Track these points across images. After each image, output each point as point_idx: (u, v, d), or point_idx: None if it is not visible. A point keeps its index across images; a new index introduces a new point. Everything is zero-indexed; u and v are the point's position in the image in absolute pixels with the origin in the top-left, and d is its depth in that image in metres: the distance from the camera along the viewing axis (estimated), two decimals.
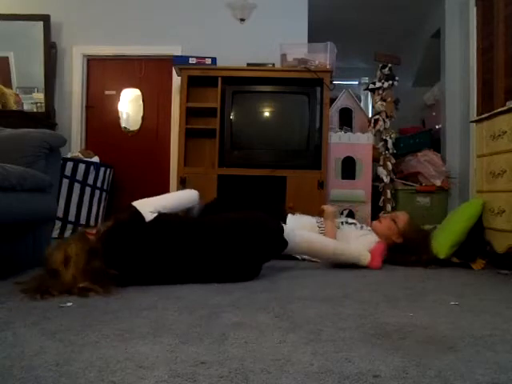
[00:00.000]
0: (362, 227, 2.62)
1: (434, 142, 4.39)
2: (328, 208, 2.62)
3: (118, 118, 4.42)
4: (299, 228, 2.37)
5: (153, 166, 4.33)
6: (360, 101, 4.71)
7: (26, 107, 4.18)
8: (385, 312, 1.39)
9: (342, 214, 3.54)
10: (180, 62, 3.77)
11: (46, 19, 4.18)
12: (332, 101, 3.91)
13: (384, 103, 3.88)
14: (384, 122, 3.86)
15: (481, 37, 3.66)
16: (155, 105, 4.41)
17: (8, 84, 4.18)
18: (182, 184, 3.50)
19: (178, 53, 4.08)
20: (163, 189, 3.70)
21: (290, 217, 2.65)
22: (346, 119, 4.05)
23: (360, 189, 3.65)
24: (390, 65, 3.91)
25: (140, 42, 4.25)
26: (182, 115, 3.67)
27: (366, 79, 6.69)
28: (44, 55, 4.20)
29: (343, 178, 3.69)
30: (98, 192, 3.74)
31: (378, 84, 3.91)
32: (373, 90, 4.00)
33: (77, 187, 3.58)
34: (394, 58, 4.01)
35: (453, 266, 2.40)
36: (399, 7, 4.96)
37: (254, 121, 3.71)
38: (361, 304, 1.49)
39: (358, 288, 1.78)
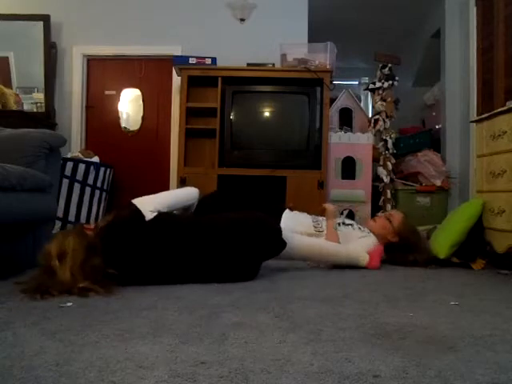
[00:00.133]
0: (359, 228, 2.62)
1: (434, 141, 4.39)
2: (329, 207, 2.61)
3: (117, 118, 4.42)
4: (295, 225, 2.38)
5: (153, 165, 4.33)
6: (360, 101, 4.71)
7: (26, 107, 4.18)
8: (385, 312, 1.39)
9: (341, 214, 3.54)
10: (180, 62, 3.77)
11: (46, 19, 4.18)
12: (332, 101, 3.91)
13: (384, 103, 3.88)
14: (384, 121, 3.86)
15: (481, 37, 3.66)
16: (155, 105, 4.41)
17: (8, 84, 4.18)
18: (182, 184, 3.50)
19: (178, 53, 4.08)
20: (163, 189, 3.66)
21: (286, 212, 2.57)
22: (346, 119, 4.05)
23: (360, 189, 3.65)
24: (389, 65, 3.91)
25: (140, 42, 4.26)
26: (182, 115, 3.68)
27: (366, 79, 6.69)
28: (44, 55, 4.20)
29: (343, 177, 3.69)
30: (97, 192, 3.74)
31: (378, 84, 3.91)
32: (373, 90, 4.00)
33: (77, 187, 3.58)
34: (394, 58, 4.01)
35: (453, 266, 2.40)
36: (399, 7, 4.96)
37: (254, 121, 3.71)
38: (361, 304, 1.49)
39: (357, 288, 1.78)
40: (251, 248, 1.87)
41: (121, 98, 4.43)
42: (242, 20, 4.32)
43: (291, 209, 2.69)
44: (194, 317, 1.29)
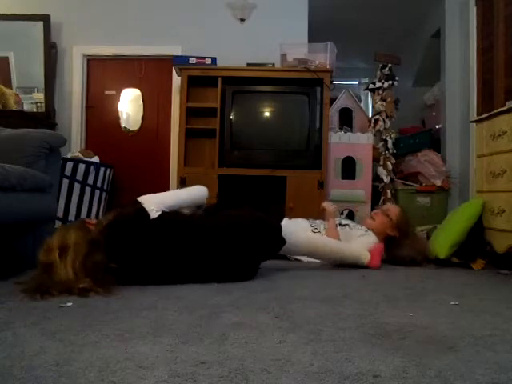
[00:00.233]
0: (356, 227, 2.62)
1: (434, 141, 4.39)
2: (329, 207, 2.60)
3: (118, 118, 4.42)
4: (295, 228, 2.38)
5: (153, 165, 4.33)
6: (360, 101, 4.71)
7: (26, 107, 4.18)
8: (385, 312, 1.39)
9: (341, 213, 3.53)
10: (180, 62, 3.77)
11: (46, 19, 4.18)
12: (332, 101, 3.91)
13: (384, 103, 3.88)
14: (384, 121, 3.86)
15: (481, 37, 3.66)
16: (155, 105, 4.41)
17: (8, 84, 4.18)
18: (182, 184, 3.50)
19: (178, 53, 4.08)
20: (163, 189, 3.67)
21: (285, 221, 2.55)
22: (346, 119, 4.05)
23: (360, 189, 3.65)
24: (389, 65, 3.91)
25: (140, 42, 4.25)
26: (182, 115, 3.67)
27: (366, 79, 6.68)
28: (44, 55, 4.20)
29: (343, 177, 3.69)
30: (97, 192, 3.74)
31: (378, 84, 3.91)
32: (373, 90, 4.00)
33: (77, 187, 3.57)
34: (394, 58, 4.01)
35: (453, 266, 2.40)
36: (399, 7, 4.96)
37: (254, 121, 3.71)
38: (361, 304, 1.49)
39: (357, 288, 1.78)
40: (252, 246, 1.88)
41: (121, 98, 4.43)
42: (242, 20, 4.32)
43: (292, 209, 2.69)
44: (193, 317, 1.29)
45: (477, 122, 2.72)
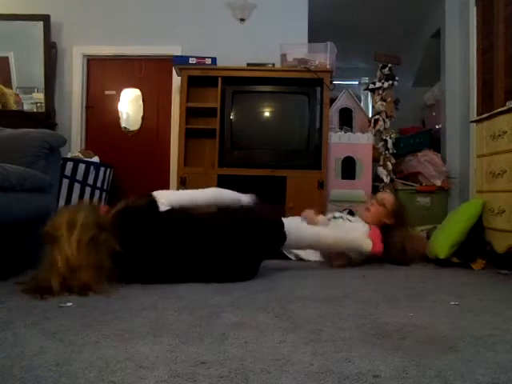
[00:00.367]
0: (348, 219, 2.63)
1: (434, 141, 4.39)
2: (308, 216, 2.54)
3: (118, 118, 4.42)
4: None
5: (153, 165, 4.33)
6: (360, 101, 4.71)
7: (26, 107, 4.18)
8: (385, 312, 1.39)
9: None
10: (180, 62, 3.77)
11: (46, 19, 4.18)
12: (332, 101, 3.91)
13: (384, 103, 3.88)
14: (384, 121, 3.86)
15: (481, 37, 3.66)
16: (155, 105, 4.41)
17: (8, 84, 4.18)
18: (182, 184, 3.50)
19: (178, 53, 4.08)
20: (163, 189, 3.69)
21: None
22: (346, 119, 4.05)
23: (360, 189, 3.65)
24: (390, 65, 3.91)
25: (140, 42, 4.25)
26: (182, 115, 3.68)
27: (366, 79, 6.69)
28: (44, 55, 4.20)
29: (343, 178, 3.69)
30: (97, 192, 3.74)
31: (378, 84, 3.91)
32: (373, 90, 4.00)
33: (77, 187, 3.57)
34: (394, 58, 4.01)
35: (453, 266, 2.40)
36: (399, 7, 4.96)
37: (254, 121, 3.71)
38: (361, 304, 1.49)
39: (357, 288, 1.78)
40: (255, 243, 1.90)
41: (121, 98, 4.43)
42: (242, 20, 4.32)
43: (291, 209, 2.70)
44: (194, 317, 1.29)
45: (477, 121, 2.72)
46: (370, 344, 1.07)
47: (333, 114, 3.95)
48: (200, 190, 2.08)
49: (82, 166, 3.60)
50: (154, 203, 1.84)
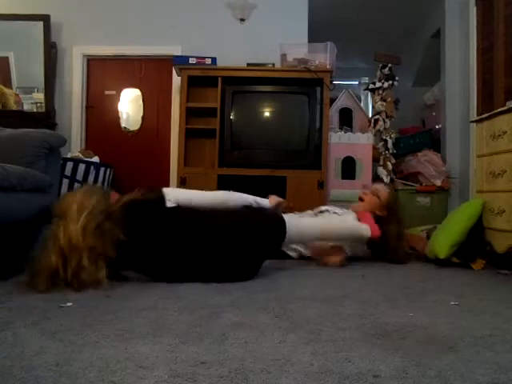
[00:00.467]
0: (335, 212, 2.64)
1: (434, 141, 4.39)
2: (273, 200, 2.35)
3: (118, 118, 4.42)
4: None
5: (153, 165, 4.33)
6: (360, 101, 4.71)
7: (26, 107, 4.18)
8: (385, 312, 1.39)
9: None
10: (180, 62, 3.77)
11: (46, 19, 4.18)
12: (332, 101, 3.91)
13: (384, 103, 3.88)
14: (384, 121, 3.86)
15: (481, 37, 3.66)
16: (155, 105, 4.41)
17: (8, 84, 4.18)
18: (182, 184, 3.50)
19: (178, 53, 4.08)
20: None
21: None
22: (346, 119, 4.05)
23: (360, 189, 3.65)
24: (390, 65, 3.91)
25: (140, 42, 4.25)
26: (182, 115, 3.68)
27: (366, 79, 6.69)
28: (44, 55, 4.20)
29: (343, 178, 3.69)
30: None
31: (378, 84, 3.91)
32: (373, 90, 4.00)
33: (77, 187, 3.57)
34: (394, 58, 4.01)
35: (453, 266, 2.40)
36: (399, 7, 4.96)
37: (254, 121, 3.71)
38: (361, 304, 1.49)
39: (357, 288, 1.78)
40: (258, 242, 1.90)
41: (121, 98, 4.43)
42: (242, 20, 4.32)
43: (292, 209, 2.70)
44: (194, 317, 1.29)
45: (477, 122, 2.72)
46: (370, 344, 1.07)
47: (333, 114, 3.95)
48: (211, 192, 2.09)
49: (81, 166, 3.59)
50: (162, 199, 1.87)
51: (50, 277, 1.56)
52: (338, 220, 2.49)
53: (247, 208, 2.02)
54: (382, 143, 3.88)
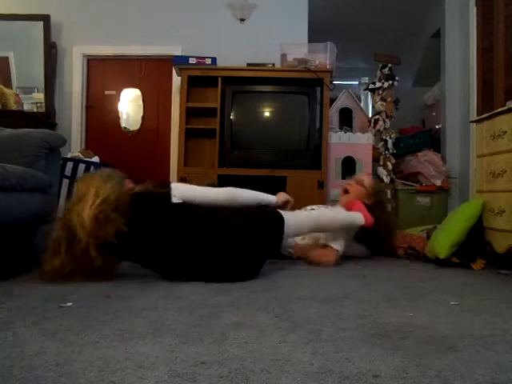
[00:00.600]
0: (321, 208, 2.69)
1: (434, 141, 4.39)
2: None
3: (118, 118, 4.42)
4: None
5: (153, 165, 4.33)
6: (360, 101, 4.71)
7: (26, 107, 4.18)
8: (385, 312, 1.39)
9: None
10: (180, 62, 3.77)
11: (46, 19, 4.18)
12: (332, 101, 3.91)
13: (384, 103, 3.88)
14: (384, 121, 3.86)
15: (481, 37, 3.66)
16: (155, 105, 4.41)
17: (8, 84, 4.18)
18: None
19: (178, 53, 4.08)
20: None
21: None
22: (346, 119, 4.05)
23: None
24: (390, 65, 3.91)
25: (140, 42, 4.26)
26: (182, 115, 3.68)
27: (366, 79, 6.69)
28: (44, 55, 4.20)
29: (343, 178, 3.68)
30: None
31: (378, 84, 3.91)
32: (373, 90, 4.00)
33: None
34: (394, 58, 4.01)
35: (453, 266, 2.40)
36: (399, 7, 4.96)
37: (254, 121, 3.71)
38: (361, 304, 1.49)
39: (357, 288, 1.78)
40: (260, 242, 1.91)
41: (121, 98, 4.43)
42: (242, 20, 4.32)
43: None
44: (194, 317, 1.29)
45: (477, 122, 2.72)
46: (370, 344, 1.07)
47: (333, 114, 3.95)
48: (220, 188, 2.09)
49: (82, 166, 3.59)
50: (168, 193, 1.89)
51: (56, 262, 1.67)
52: (331, 211, 2.53)
53: (250, 206, 2.02)
54: (381, 143, 3.88)
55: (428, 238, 2.76)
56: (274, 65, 3.75)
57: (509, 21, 3.23)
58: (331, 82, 3.65)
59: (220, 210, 1.93)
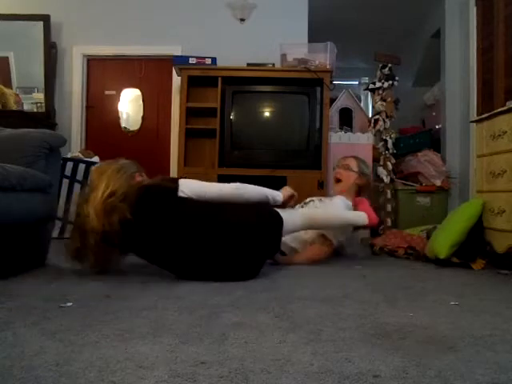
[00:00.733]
0: (320, 200, 2.68)
1: (434, 141, 4.39)
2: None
3: (118, 118, 4.42)
4: None
5: (153, 166, 4.30)
6: (360, 101, 4.71)
7: (26, 107, 4.18)
8: (385, 312, 1.39)
9: None
10: (180, 62, 3.77)
11: (46, 19, 4.18)
12: (332, 101, 3.91)
13: (384, 103, 3.87)
14: (384, 121, 3.86)
15: (481, 37, 3.66)
16: (155, 105, 4.41)
17: (8, 84, 4.18)
18: None
19: (178, 53, 4.08)
20: None
21: None
22: (346, 119, 4.05)
23: None
24: (390, 65, 3.91)
25: (140, 42, 4.26)
26: (182, 115, 3.68)
27: (366, 79, 6.69)
28: (44, 55, 4.20)
29: None
30: None
31: (378, 84, 3.91)
32: (373, 90, 3.99)
33: (77, 187, 3.57)
34: (394, 58, 4.01)
35: (453, 266, 2.40)
36: (399, 7, 4.96)
37: (254, 121, 3.71)
38: (361, 304, 1.48)
39: (357, 288, 1.78)
40: (261, 241, 1.91)
41: (121, 98, 4.44)
42: (242, 20, 4.32)
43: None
44: (194, 317, 1.29)
45: (477, 122, 2.72)
46: (370, 344, 1.07)
47: (333, 114, 3.95)
48: (227, 184, 2.10)
49: (82, 166, 3.59)
50: (175, 188, 1.90)
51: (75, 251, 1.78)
52: (331, 208, 2.54)
53: (253, 204, 2.02)
54: (381, 143, 3.88)
55: (428, 237, 2.76)
56: (274, 65, 3.75)
57: (509, 21, 3.23)
58: (331, 82, 3.65)
59: (224, 208, 1.93)
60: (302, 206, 2.62)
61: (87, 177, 3.61)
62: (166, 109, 4.35)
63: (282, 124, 3.68)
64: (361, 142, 3.70)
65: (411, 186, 3.97)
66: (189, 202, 1.90)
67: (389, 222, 3.72)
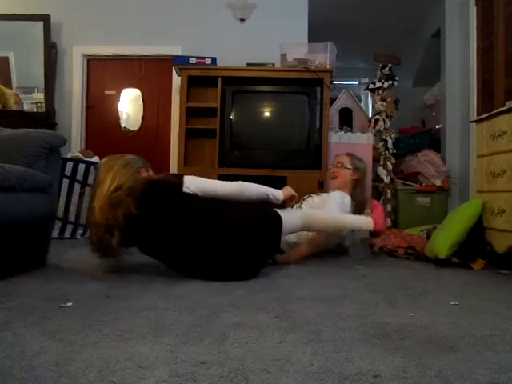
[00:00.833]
0: (318, 195, 2.72)
1: (434, 141, 4.39)
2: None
3: (118, 118, 4.42)
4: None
5: (153, 166, 4.27)
6: (360, 101, 4.71)
7: (26, 107, 4.18)
8: (385, 312, 1.39)
9: None
10: (180, 62, 3.77)
11: (46, 19, 4.18)
12: (332, 101, 3.91)
13: (384, 103, 3.88)
14: (384, 121, 3.86)
15: (481, 37, 3.66)
16: (155, 105, 4.41)
17: (8, 84, 4.18)
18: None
19: (178, 53, 4.08)
20: None
21: None
22: (346, 119, 4.05)
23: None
24: (390, 65, 3.91)
25: (140, 42, 4.26)
26: (182, 115, 3.68)
27: (366, 79, 6.69)
28: (44, 55, 4.20)
29: None
30: None
31: (378, 84, 3.91)
32: (373, 90, 4.00)
33: (77, 187, 3.57)
34: (394, 58, 4.01)
35: (453, 266, 2.40)
36: (399, 7, 4.96)
37: (254, 121, 3.71)
38: (361, 304, 1.48)
39: (357, 288, 1.78)
40: (262, 241, 1.92)
41: (121, 98, 4.44)
42: (242, 20, 4.32)
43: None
44: (194, 317, 1.29)
45: (477, 122, 2.72)
46: (370, 344, 1.07)
47: (333, 114, 3.95)
48: (228, 182, 2.12)
49: (81, 166, 3.59)
50: (180, 184, 1.92)
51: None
52: (318, 204, 2.56)
53: (252, 204, 2.02)
54: (382, 143, 3.88)
55: (428, 237, 2.76)
56: (274, 65, 3.75)
57: (509, 21, 3.23)
58: (331, 82, 3.65)
59: (225, 206, 1.93)
60: (301, 203, 2.62)
61: (87, 177, 3.61)
62: (166, 109, 4.35)
63: (282, 124, 3.68)
64: (361, 142, 3.70)
65: (411, 185, 3.97)
66: (192, 198, 1.91)
67: (389, 221, 3.72)
